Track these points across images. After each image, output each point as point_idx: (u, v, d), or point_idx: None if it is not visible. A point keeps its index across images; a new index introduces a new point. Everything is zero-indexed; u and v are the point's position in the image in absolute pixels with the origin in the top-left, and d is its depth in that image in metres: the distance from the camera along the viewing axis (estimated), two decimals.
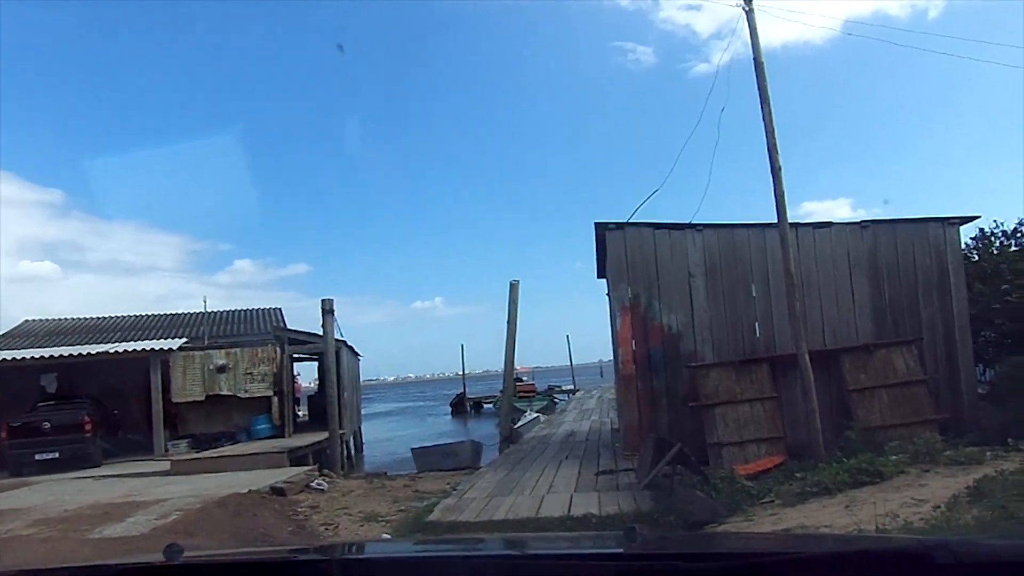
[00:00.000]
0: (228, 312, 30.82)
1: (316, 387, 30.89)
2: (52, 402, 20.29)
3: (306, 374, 35.75)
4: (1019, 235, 16.16)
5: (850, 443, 11.10)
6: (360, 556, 2.08)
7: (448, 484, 14.33)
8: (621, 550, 1.75)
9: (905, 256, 14.16)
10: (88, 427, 18.84)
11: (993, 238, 16.74)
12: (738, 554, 1.59)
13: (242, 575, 1.66)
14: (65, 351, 21.74)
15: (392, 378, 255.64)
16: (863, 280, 14.14)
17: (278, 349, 22.91)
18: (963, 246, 14.96)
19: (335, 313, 20.15)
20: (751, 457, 12.60)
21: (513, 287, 21.67)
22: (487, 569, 1.70)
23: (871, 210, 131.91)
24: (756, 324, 14.14)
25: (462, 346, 65.36)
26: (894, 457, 9.74)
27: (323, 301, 19.96)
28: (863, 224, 14.58)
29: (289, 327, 26.37)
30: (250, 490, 13.00)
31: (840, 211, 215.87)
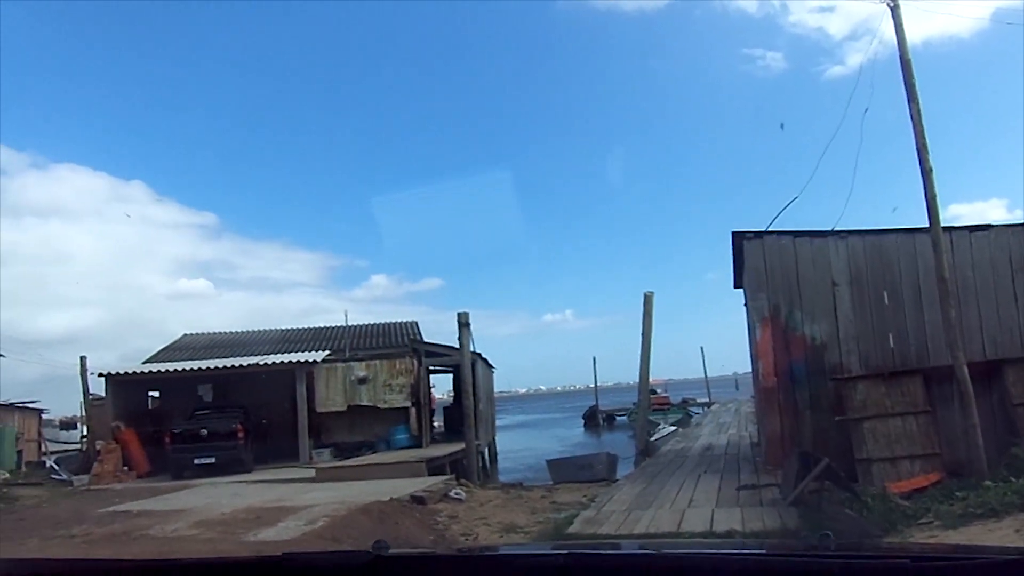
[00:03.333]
0: (367, 326, 31.77)
1: (451, 399, 31.52)
2: (208, 410, 21.72)
3: (440, 386, 36.62)
4: None
5: (1018, 462, 10.33)
6: (592, 552, 2.12)
7: (585, 496, 14.32)
8: (831, 549, 1.70)
9: None
10: (241, 435, 20.03)
11: None
12: (966, 557, 1.49)
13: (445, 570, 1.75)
14: (220, 363, 23.20)
15: (524, 390, 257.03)
16: None
17: (415, 361, 23.56)
18: None
19: (470, 326, 20.51)
20: (904, 474, 11.94)
21: (648, 299, 21.29)
22: (694, 565, 1.70)
23: None
24: (907, 334, 13.42)
25: (594, 359, 65.24)
26: None
27: (459, 314, 20.33)
28: None
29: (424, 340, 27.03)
30: (392, 498, 13.35)
31: (994, 213, 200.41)
